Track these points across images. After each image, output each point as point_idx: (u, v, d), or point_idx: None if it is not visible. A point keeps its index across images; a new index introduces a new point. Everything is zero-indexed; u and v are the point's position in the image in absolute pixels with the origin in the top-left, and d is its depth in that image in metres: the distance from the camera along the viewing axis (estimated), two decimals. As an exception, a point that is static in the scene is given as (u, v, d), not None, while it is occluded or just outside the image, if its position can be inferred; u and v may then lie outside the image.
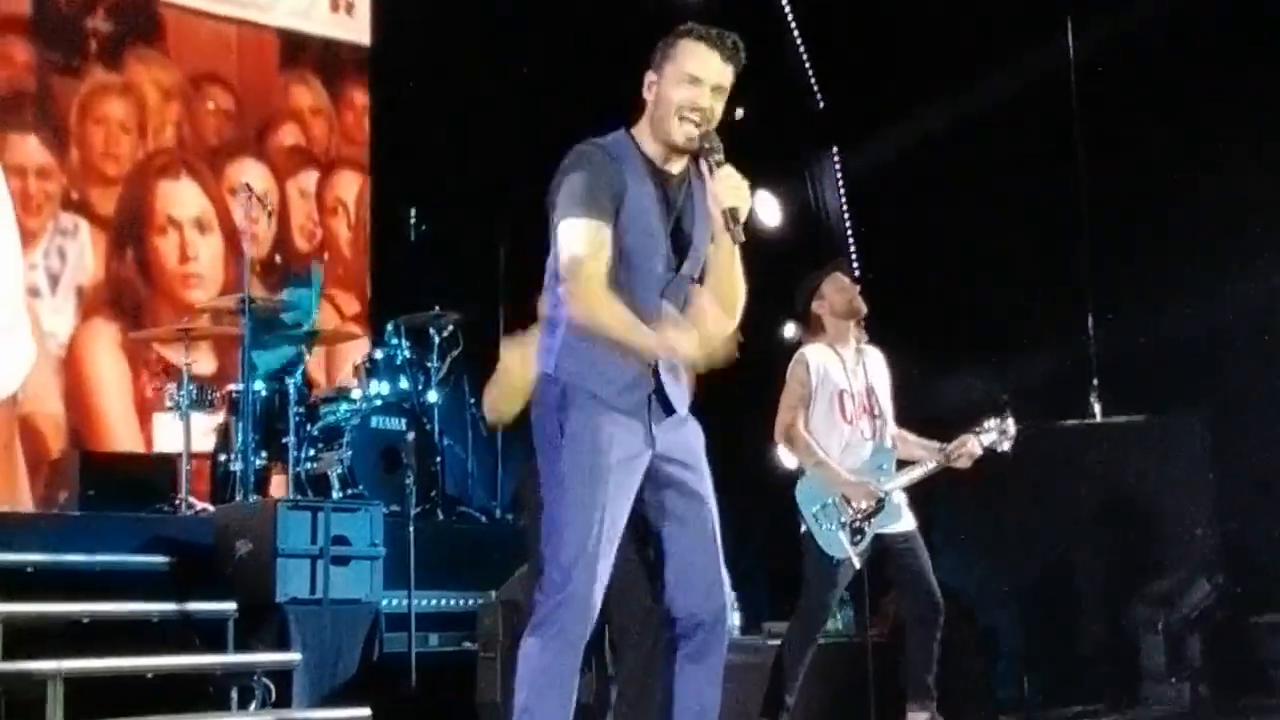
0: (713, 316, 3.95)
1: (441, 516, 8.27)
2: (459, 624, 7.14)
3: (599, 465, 3.83)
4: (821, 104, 10.28)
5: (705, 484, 4.03)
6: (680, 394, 3.98)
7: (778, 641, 7.15)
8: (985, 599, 8.04)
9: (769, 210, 9.61)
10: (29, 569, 6.23)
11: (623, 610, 5.30)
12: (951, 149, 9.10)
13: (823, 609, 6.25)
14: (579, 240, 3.81)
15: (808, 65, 10.19)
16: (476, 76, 9.57)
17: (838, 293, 6.39)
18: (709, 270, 4.01)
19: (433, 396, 8.57)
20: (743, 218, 3.86)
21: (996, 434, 6.24)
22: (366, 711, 6.01)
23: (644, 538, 3.98)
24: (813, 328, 6.43)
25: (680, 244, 3.94)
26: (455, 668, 6.70)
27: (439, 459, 8.43)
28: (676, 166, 3.98)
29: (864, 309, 6.40)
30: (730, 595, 4.00)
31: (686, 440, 4.01)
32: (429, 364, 8.67)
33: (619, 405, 3.87)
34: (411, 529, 6.62)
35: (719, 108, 3.93)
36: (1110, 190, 8.66)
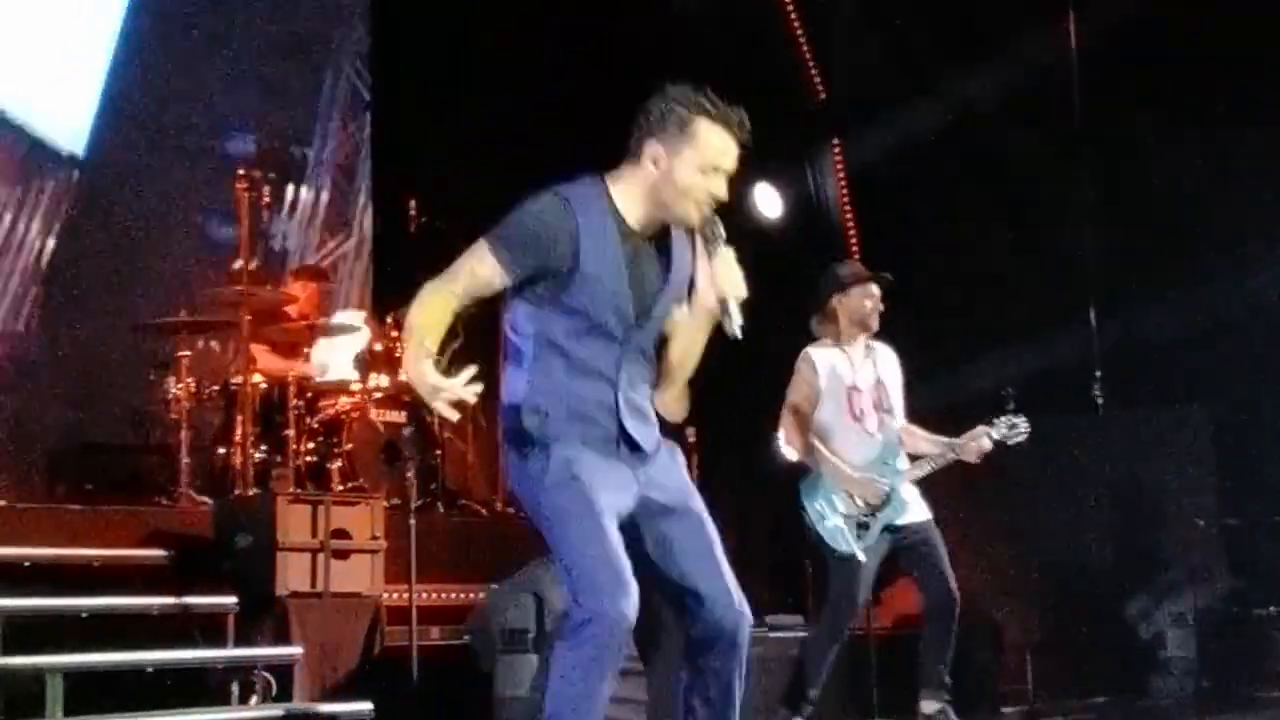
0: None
1: (442, 509, 8.25)
2: (461, 617, 7.12)
3: (588, 490, 3.77)
4: (822, 95, 10.25)
5: (695, 501, 3.96)
6: (645, 431, 3.92)
7: (779, 635, 7.17)
8: (990, 591, 8.04)
9: (770, 202, 9.59)
10: (27, 564, 6.20)
11: (649, 616, 5.28)
12: (953, 140, 9.09)
13: (846, 604, 6.23)
14: (471, 266, 3.84)
15: (808, 57, 10.16)
16: (478, 67, 9.55)
17: (861, 300, 6.39)
18: (675, 334, 3.99)
19: (432, 389, 8.53)
20: (736, 308, 3.82)
21: (1007, 428, 6.25)
22: (368, 705, 5.98)
23: (650, 566, 3.93)
24: (827, 317, 6.44)
25: (643, 295, 3.87)
26: (457, 661, 6.68)
27: (439, 452, 8.42)
28: (651, 230, 3.90)
29: (875, 326, 6.42)
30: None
31: (665, 466, 3.96)
32: (428, 356, 8.62)
33: (588, 439, 3.82)
34: (412, 522, 6.56)
35: None
36: (1113, 181, 8.65)
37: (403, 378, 8.44)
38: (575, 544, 3.77)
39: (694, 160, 3.80)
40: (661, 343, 4.02)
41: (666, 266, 3.92)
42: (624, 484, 3.86)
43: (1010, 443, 6.29)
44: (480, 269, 3.83)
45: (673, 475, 3.98)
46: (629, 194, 3.87)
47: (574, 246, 3.77)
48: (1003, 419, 6.27)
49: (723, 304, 3.82)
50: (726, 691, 3.93)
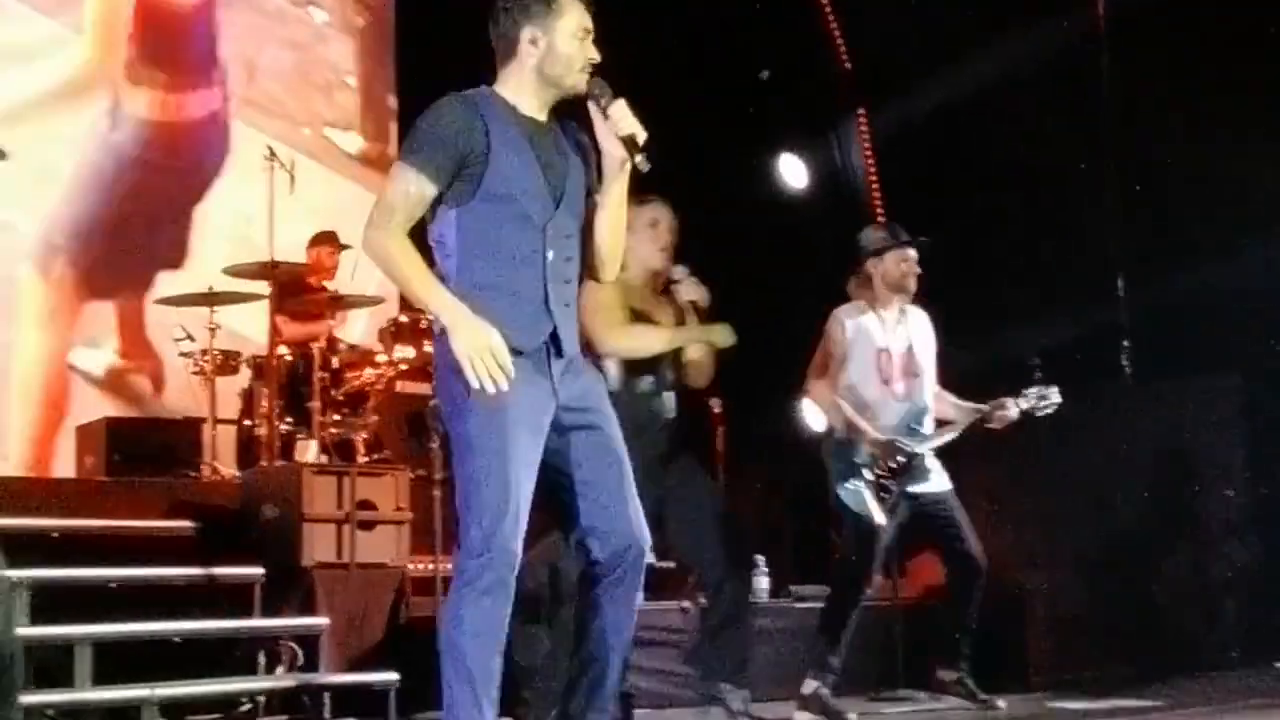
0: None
1: (467, 481, 8.26)
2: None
3: (505, 422, 3.86)
4: (848, 66, 10.21)
5: (611, 426, 4.08)
6: (570, 332, 4.05)
7: (805, 605, 7.19)
8: (1017, 563, 8.02)
9: (795, 173, 9.56)
10: (55, 534, 6.24)
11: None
12: (979, 109, 9.05)
13: (858, 569, 6.19)
14: (398, 188, 3.95)
15: (834, 27, 10.11)
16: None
17: (896, 264, 6.36)
18: (598, 212, 4.12)
19: (457, 360, 8.55)
20: (641, 142, 3.97)
21: (1036, 399, 6.23)
22: (394, 675, 6.01)
23: (555, 484, 4.03)
24: (861, 282, 6.42)
25: (554, 175, 4.04)
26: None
27: (463, 424, 8.41)
28: (544, 116, 4.10)
29: (912, 290, 6.39)
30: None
31: (586, 386, 4.09)
32: (452, 328, 8.64)
33: (519, 349, 3.91)
34: (437, 493, 6.60)
35: None
36: (1140, 148, 8.60)
37: (428, 349, 8.48)
38: (478, 476, 3.87)
39: (568, 29, 4.04)
40: (586, 233, 4.15)
41: (567, 150, 4.10)
42: (543, 406, 3.96)
43: (1039, 414, 6.27)
44: (410, 188, 3.95)
45: (592, 397, 4.09)
46: (516, 88, 4.07)
47: (485, 136, 3.94)
48: (1033, 389, 6.25)
49: (629, 145, 3.97)
50: (626, 616, 4.05)
